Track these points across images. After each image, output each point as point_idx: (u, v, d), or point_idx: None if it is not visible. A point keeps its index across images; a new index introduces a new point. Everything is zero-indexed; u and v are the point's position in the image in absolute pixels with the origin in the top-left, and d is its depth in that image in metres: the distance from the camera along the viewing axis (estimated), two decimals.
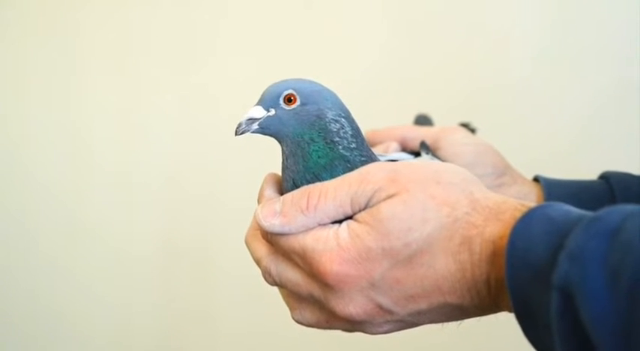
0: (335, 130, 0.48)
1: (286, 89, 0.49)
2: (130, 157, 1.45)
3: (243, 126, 0.49)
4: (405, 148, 0.65)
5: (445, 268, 0.41)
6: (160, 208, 1.44)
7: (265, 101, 0.50)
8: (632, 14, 1.09)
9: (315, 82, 0.51)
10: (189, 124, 1.41)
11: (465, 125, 0.72)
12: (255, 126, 0.49)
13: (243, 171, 1.27)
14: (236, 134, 0.50)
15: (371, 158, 0.49)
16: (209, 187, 1.40)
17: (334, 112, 0.49)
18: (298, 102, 0.49)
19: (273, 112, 0.49)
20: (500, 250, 0.39)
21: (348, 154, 0.48)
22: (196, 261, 1.42)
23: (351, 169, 0.47)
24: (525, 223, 0.38)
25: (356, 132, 0.50)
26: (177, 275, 1.44)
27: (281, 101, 0.49)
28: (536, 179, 0.66)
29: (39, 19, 1.48)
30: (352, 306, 0.43)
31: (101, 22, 1.45)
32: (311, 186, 0.45)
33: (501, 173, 0.64)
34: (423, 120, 0.76)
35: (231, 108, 1.34)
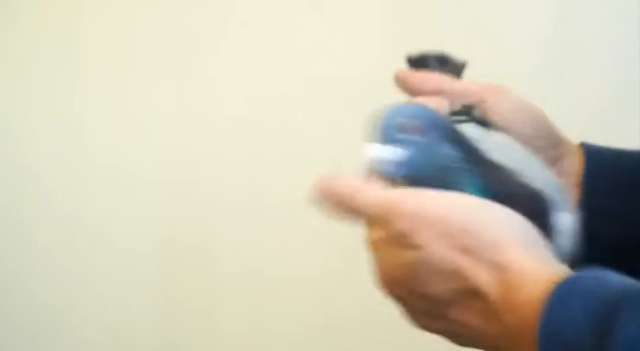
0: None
1: None
2: (131, 156, 1.45)
3: None
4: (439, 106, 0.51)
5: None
6: (161, 207, 1.43)
7: None
8: (632, 14, 1.09)
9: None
10: (190, 122, 1.41)
11: (443, 59, 0.54)
12: None
13: (245, 169, 1.27)
14: None
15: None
16: (210, 185, 1.40)
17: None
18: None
19: None
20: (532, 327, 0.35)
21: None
22: (197, 259, 1.42)
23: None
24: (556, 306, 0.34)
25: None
26: (179, 273, 1.43)
27: None
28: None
29: (43, 20, 1.48)
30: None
31: (104, 21, 1.44)
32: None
33: (556, 143, 0.55)
34: (440, 62, 0.54)
35: (233, 106, 1.35)
